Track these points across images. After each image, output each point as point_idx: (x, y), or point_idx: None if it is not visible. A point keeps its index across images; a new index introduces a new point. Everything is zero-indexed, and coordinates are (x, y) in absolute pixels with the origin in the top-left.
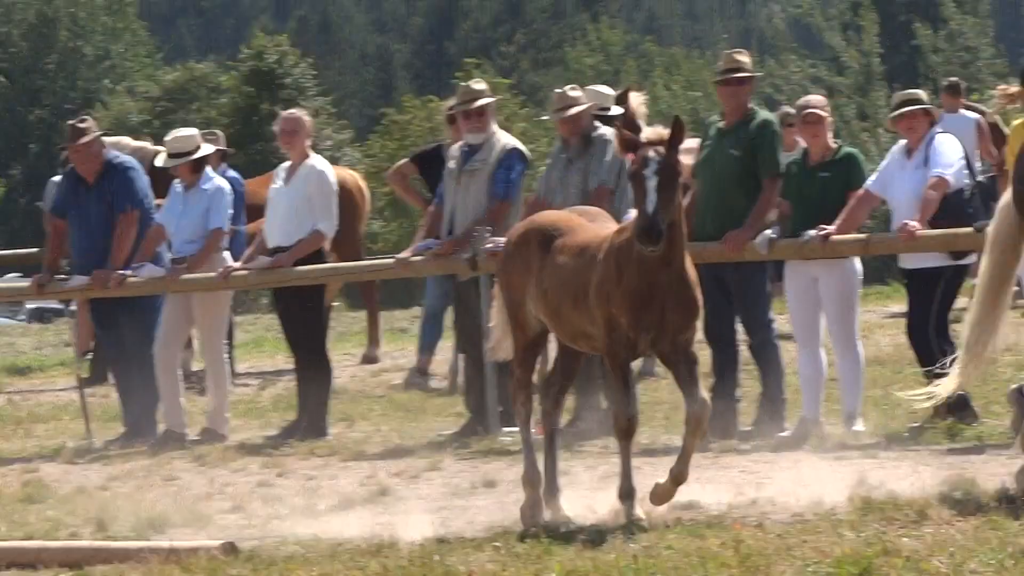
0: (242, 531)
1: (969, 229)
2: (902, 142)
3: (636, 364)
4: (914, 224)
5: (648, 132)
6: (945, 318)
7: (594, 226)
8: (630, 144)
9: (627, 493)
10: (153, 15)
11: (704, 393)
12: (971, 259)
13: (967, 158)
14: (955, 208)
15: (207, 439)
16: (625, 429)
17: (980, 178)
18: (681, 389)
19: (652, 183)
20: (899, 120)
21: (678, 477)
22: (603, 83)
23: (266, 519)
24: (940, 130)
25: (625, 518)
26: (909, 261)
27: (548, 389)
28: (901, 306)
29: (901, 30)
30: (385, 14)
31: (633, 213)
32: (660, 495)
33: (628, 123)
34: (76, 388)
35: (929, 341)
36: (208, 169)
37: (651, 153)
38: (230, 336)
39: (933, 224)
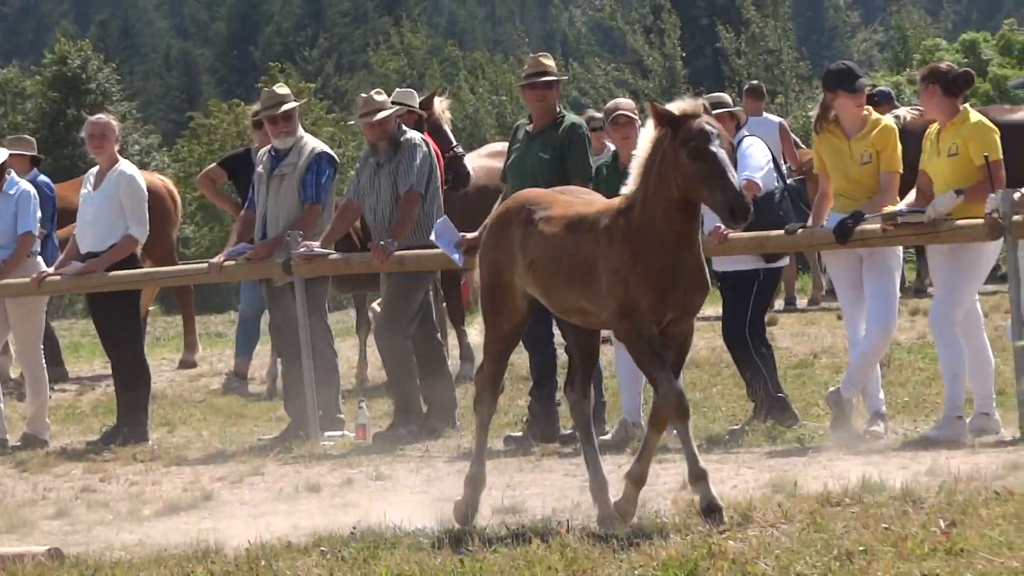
0: (67, 537)
1: (780, 232)
2: None
3: (455, 367)
4: (721, 226)
5: (682, 105)
6: (761, 320)
7: (578, 199)
8: (667, 118)
9: (699, 476)
10: None
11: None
12: (784, 262)
13: (775, 161)
14: (766, 211)
15: (28, 445)
16: (678, 408)
17: (789, 181)
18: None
19: (723, 155)
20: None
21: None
22: (408, 87)
23: (91, 525)
24: (747, 133)
25: (703, 502)
26: (722, 264)
27: (571, 379)
28: (716, 309)
29: (704, 33)
30: (186, 19)
31: (442, 220)
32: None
33: (433, 127)
34: None
35: (746, 343)
36: (12, 174)
37: (709, 126)
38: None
39: (744, 227)
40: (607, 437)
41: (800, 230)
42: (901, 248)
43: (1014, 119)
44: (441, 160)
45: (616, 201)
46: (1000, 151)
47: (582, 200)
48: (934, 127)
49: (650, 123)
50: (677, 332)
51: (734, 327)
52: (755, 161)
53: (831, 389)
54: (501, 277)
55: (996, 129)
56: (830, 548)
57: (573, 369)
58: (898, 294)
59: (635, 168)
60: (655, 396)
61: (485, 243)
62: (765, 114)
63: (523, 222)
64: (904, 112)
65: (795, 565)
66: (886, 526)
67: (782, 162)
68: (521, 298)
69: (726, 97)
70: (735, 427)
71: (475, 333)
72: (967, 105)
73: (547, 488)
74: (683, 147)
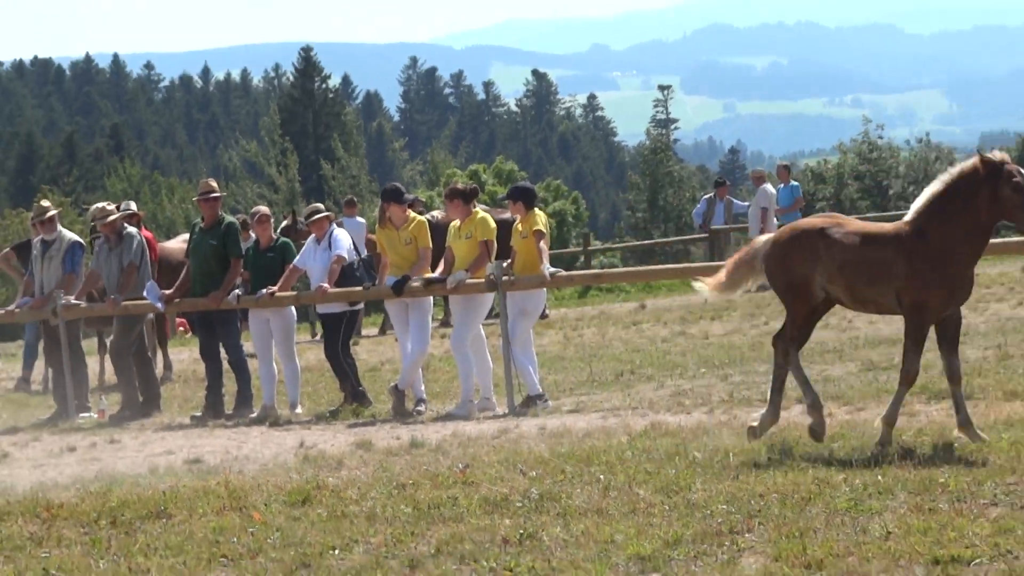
0: None
1: (359, 288)
2: (313, 235)
3: (160, 372)
4: (326, 285)
5: (999, 155)
6: (348, 343)
7: (861, 222)
8: (992, 164)
9: (892, 420)
10: None
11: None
12: (360, 306)
13: (355, 244)
14: (349, 275)
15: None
16: (912, 381)
17: (365, 255)
18: (943, 348)
19: None
20: (312, 223)
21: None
22: (130, 200)
23: None
24: (335, 226)
25: (881, 438)
26: (323, 308)
27: (779, 342)
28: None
29: (312, 165)
30: None
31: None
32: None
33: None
34: None
35: (339, 357)
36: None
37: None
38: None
39: (337, 284)
40: (254, 415)
41: (371, 286)
42: (432, 297)
43: (504, 218)
44: (155, 245)
45: (900, 225)
46: (494, 236)
47: (861, 222)
48: (456, 222)
49: (955, 169)
50: (954, 315)
51: (332, 347)
52: (343, 243)
53: (392, 384)
54: (801, 275)
55: (494, 223)
56: (391, 481)
57: (784, 336)
58: (431, 325)
59: (924, 201)
60: (902, 365)
61: (779, 253)
62: (356, 217)
63: (821, 235)
64: (437, 213)
65: (370, 492)
66: (426, 467)
67: (363, 245)
68: (818, 289)
69: (321, 206)
70: (333, 408)
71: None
72: (478, 207)
73: (218, 448)
74: (1007, 184)
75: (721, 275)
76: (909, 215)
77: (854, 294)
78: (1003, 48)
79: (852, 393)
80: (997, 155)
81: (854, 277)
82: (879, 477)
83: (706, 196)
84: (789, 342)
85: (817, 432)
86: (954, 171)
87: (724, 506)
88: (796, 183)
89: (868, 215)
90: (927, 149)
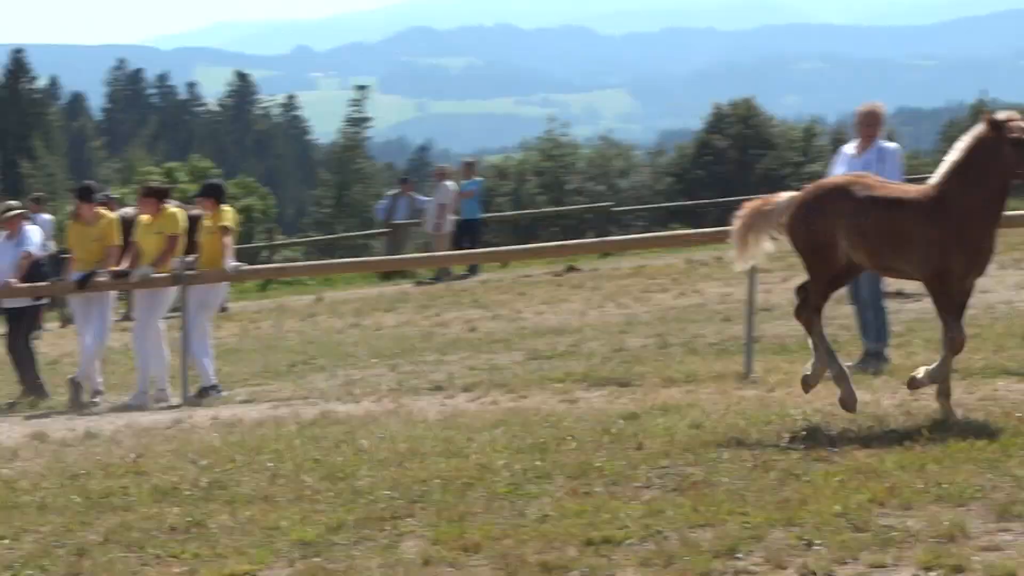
0: None
1: (46, 283)
2: (6, 232)
3: None
4: (13, 280)
5: (1005, 114)
6: (28, 339)
7: (890, 184)
8: (995, 122)
9: (946, 393)
10: None
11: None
12: (45, 301)
13: (45, 242)
14: (37, 271)
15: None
16: (960, 344)
17: (52, 252)
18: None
19: None
20: (4, 222)
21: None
22: None
23: None
24: (28, 224)
25: (943, 413)
26: (7, 303)
27: (803, 311)
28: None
29: (11, 165)
30: None
31: None
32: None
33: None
34: None
35: (19, 348)
36: None
37: None
38: None
39: (24, 280)
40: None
41: (57, 281)
42: (116, 292)
43: (194, 213)
44: None
45: (925, 189)
46: (182, 231)
47: (890, 184)
48: (146, 217)
49: (968, 134)
50: (967, 286)
51: (14, 339)
52: (33, 240)
53: (70, 376)
54: (826, 238)
55: (180, 219)
56: (64, 472)
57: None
58: (111, 319)
59: (945, 168)
60: (946, 334)
61: (804, 214)
62: (42, 214)
63: (847, 197)
64: (128, 210)
65: (42, 483)
66: (99, 457)
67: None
68: (842, 253)
69: (16, 203)
70: (10, 400)
71: None
72: (167, 204)
73: (59, 429)
74: (1007, 141)
75: (735, 247)
76: (933, 180)
77: (876, 259)
78: (687, 50)
79: (516, 381)
80: (1001, 114)
81: (879, 240)
82: (538, 462)
83: (391, 192)
84: (813, 311)
85: (848, 403)
86: (968, 138)
87: (388, 492)
88: (480, 178)
89: (546, 209)
90: (607, 146)
